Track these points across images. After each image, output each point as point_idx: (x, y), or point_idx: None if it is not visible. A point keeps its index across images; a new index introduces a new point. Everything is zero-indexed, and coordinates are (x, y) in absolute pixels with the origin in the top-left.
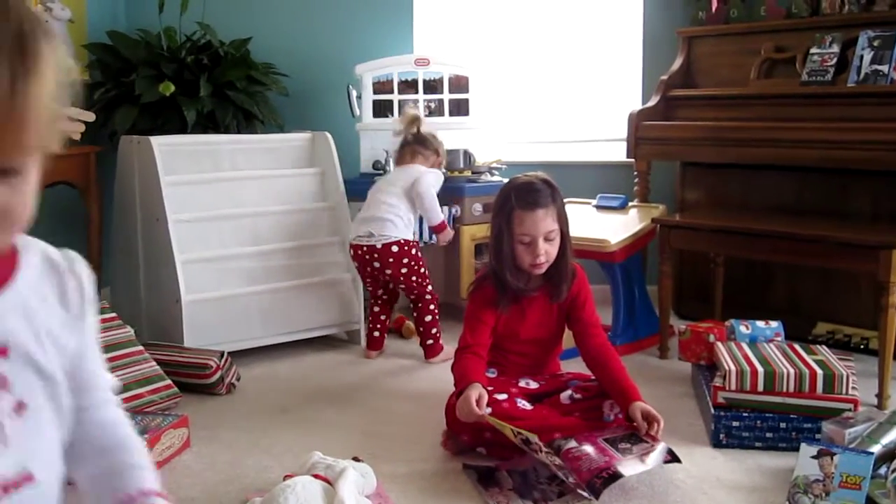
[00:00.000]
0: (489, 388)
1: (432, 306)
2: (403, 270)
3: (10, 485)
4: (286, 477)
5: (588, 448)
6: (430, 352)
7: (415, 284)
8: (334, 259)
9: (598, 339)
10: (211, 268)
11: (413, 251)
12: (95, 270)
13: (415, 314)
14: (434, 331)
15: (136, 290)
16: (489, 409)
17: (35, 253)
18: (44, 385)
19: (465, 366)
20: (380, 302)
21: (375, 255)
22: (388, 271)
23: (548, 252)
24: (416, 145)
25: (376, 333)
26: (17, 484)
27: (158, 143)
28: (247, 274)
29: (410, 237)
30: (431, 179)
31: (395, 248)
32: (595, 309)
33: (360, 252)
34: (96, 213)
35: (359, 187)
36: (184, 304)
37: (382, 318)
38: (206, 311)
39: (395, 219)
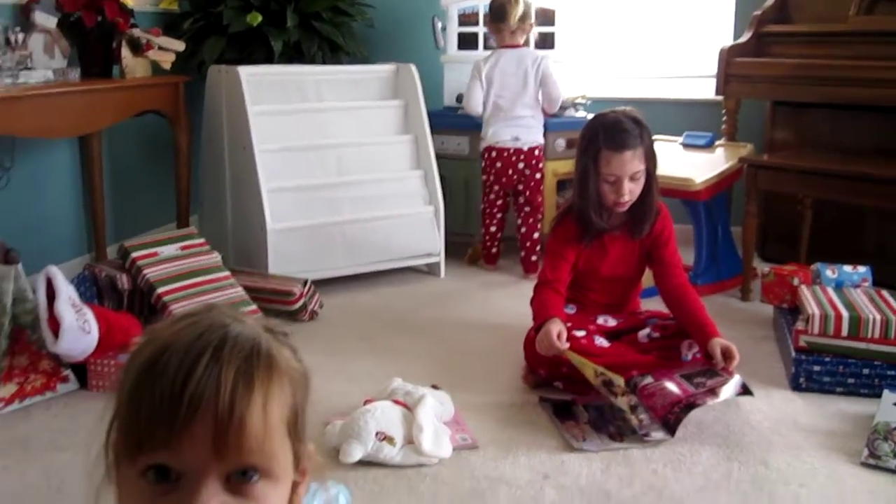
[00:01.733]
0: (567, 325)
1: (540, 217)
2: (538, 175)
3: None
4: (366, 402)
5: (663, 383)
6: (531, 267)
7: (539, 190)
8: (416, 191)
9: (679, 279)
10: (296, 197)
11: (542, 156)
12: (184, 198)
13: (522, 229)
14: (539, 247)
15: (223, 217)
16: (568, 345)
17: None
18: None
19: (544, 300)
20: (497, 217)
21: (521, 158)
22: (529, 173)
23: (632, 191)
24: (521, 22)
25: (494, 250)
26: None
27: (246, 73)
28: (330, 204)
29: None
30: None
31: (537, 153)
32: (677, 249)
33: (505, 155)
34: (185, 142)
35: (442, 120)
36: (269, 232)
37: (498, 235)
38: (290, 239)
39: (537, 123)
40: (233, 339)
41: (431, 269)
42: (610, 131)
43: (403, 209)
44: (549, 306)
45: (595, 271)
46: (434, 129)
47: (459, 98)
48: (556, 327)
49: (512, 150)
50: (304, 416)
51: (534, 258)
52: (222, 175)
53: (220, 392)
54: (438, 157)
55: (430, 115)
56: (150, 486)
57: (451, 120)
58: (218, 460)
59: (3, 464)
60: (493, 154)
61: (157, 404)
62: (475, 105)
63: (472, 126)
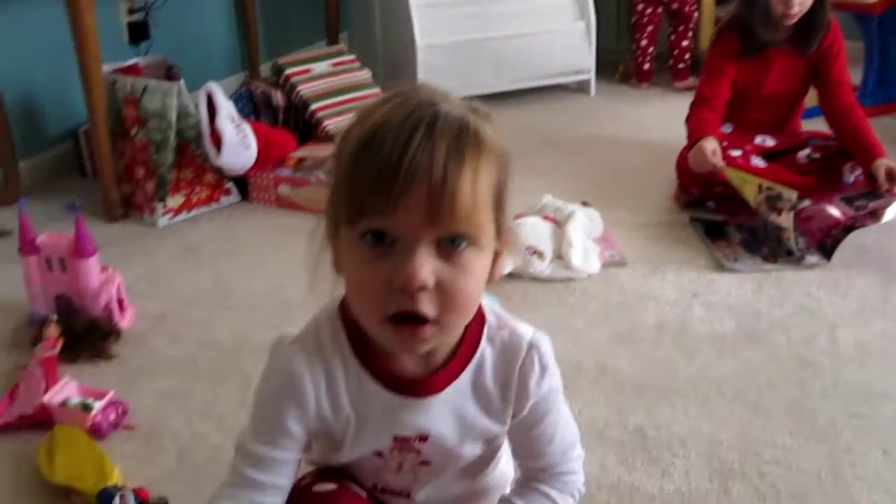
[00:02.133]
0: (723, 144)
1: (692, 27)
2: None
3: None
4: (517, 217)
5: (823, 206)
6: (679, 75)
7: (690, 1)
8: (568, 6)
9: (846, 98)
10: (445, 13)
11: None
12: (333, 15)
13: (672, 37)
14: (688, 56)
15: (372, 34)
16: (724, 162)
17: (494, 348)
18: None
19: (700, 119)
20: (648, 31)
21: None
22: None
23: (802, 2)
24: None
25: (646, 66)
26: None
27: None
28: (481, 20)
29: None
30: None
31: None
32: (846, 67)
33: None
34: None
35: None
36: (419, 48)
37: (650, 50)
38: (440, 55)
39: None
40: (443, 117)
41: (582, 87)
42: None
43: (554, 24)
44: (705, 125)
45: (756, 88)
46: None
47: None
48: (711, 144)
49: None
50: (507, 192)
51: (681, 66)
52: None
53: (434, 164)
54: None
55: None
56: (367, 248)
57: None
58: (430, 227)
59: (177, 268)
60: None
61: (376, 175)
62: None
63: None
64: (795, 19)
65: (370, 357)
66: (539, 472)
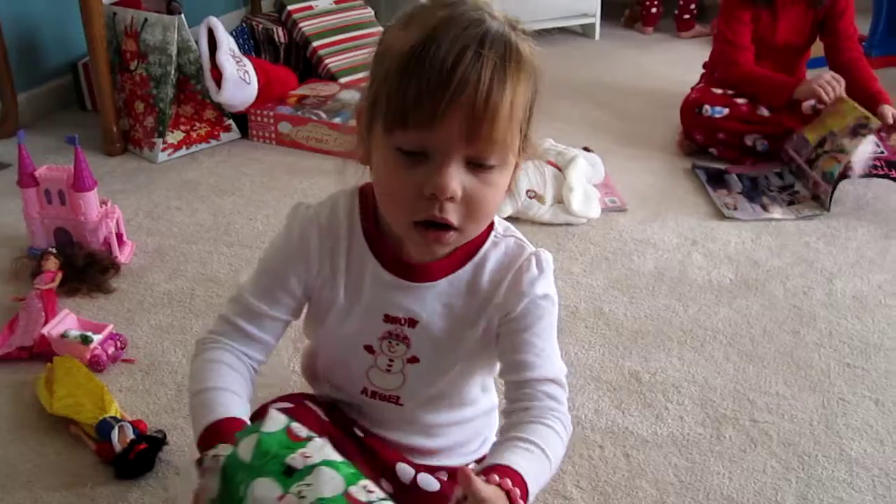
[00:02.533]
0: (728, 92)
1: None
2: None
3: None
4: None
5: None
6: (683, 25)
7: None
8: None
9: (852, 52)
10: None
11: None
12: None
13: None
14: (693, 6)
15: None
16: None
17: (497, 250)
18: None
19: (743, 61)
20: None
21: None
22: None
23: None
24: None
25: (654, 10)
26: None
27: None
28: None
29: None
30: None
31: None
32: (853, 20)
33: None
34: None
35: None
36: None
37: None
38: None
39: None
40: (491, 36)
41: (586, 31)
42: None
43: None
44: (766, 78)
45: (764, 39)
46: None
47: None
48: (827, 76)
49: None
50: (537, 107)
51: (686, 16)
52: None
53: (480, 84)
54: None
55: None
56: (402, 156)
57: None
58: (466, 144)
59: (177, 204)
60: None
61: (424, 87)
62: None
63: None
64: None
65: (376, 237)
66: (526, 399)
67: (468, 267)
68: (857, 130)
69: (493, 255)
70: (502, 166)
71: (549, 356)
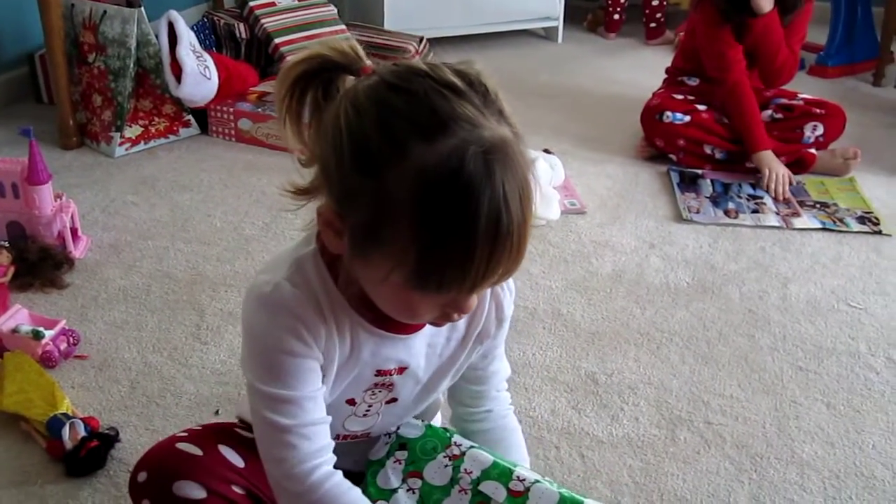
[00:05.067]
0: (690, 98)
1: None
2: None
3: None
4: None
5: None
6: (651, 34)
7: None
8: None
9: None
10: None
11: None
12: None
13: None
14: (660, 14)
15: None
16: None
17: None
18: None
19: (746, 105)
20: None
21: None
22: None
23: None
24: None
25: (616, 17)
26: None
27: None
28: None
29: None
30: None
31: None
32: (805, 27)
33: None
34: None
35: None
36: None
37: (623, 0)
38: None
39: None
40: (507, 165)
41: (549, 34)
42: None
43: None
44: (757, 116)
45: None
46: None
47: None
48: (783, 166)
49: None
50: None
51: (653, 25)
52: None
53: (518, 230)
54: None
55: None
56: (422, 295)
57: None
58: (505, 279)
59: (133, 199)
60: None
61: (470, 254)
62: None
63: None
64: None
65: (353, 297)
66: (492, 402)
67: None
68: (864, 219)
69: None
70: None
71: (501, 359)
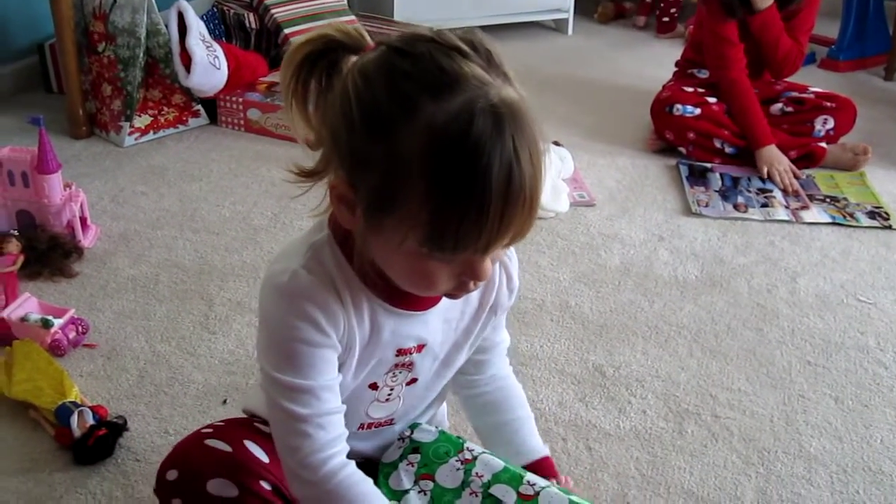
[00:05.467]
0: (700, 90)
1: None
2: None
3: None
4: None
5: None
6: (663, 28)
7: None
8: None
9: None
10: None
11: None
12: None
13: None
14: (673, 10)
15: None
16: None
17: None
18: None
19: (745, 98)
20: None
21: None
22: None
23: None
24: None
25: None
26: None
27: None
28: None
29: None
30: None
31: None
32: (812, 19)
33: None
34: None
35: None
36: None
37: None
38: None
39: None
40: (518, 124)
41: (559, 26)
42: None
43: None
44: (757, 113)
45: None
46: None
47: None
48: (785, 159)
49: None
50: None
51: (666, 19)
52: None
53: (530, 188)
54: None
55: None
56: (437, 260)
57: None
58: (518, 240)
59: (142, 189)
60: None
61: (483, 215)
62: None
63: None
64: None
65: (369, 277)
66: (494, 368)
67: None
68: (875, 214)
69: None
70: None
71: (503, 326)
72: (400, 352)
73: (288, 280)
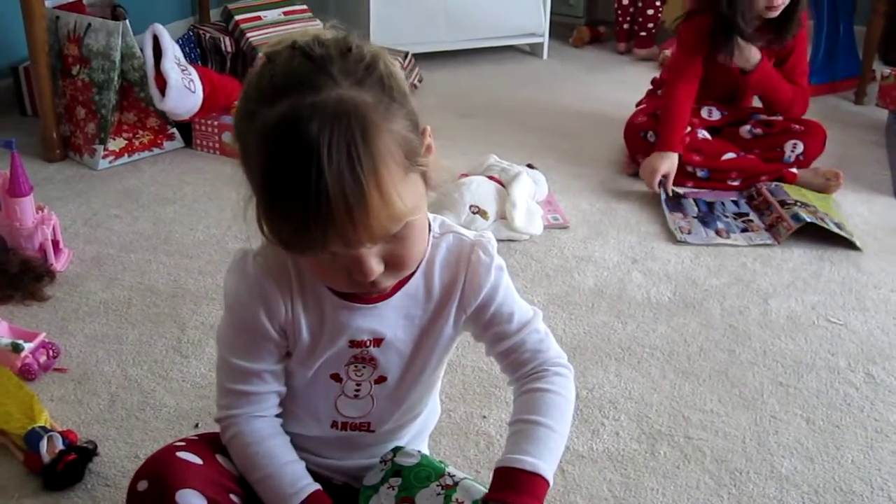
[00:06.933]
0: None
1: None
2: None
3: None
4: (462, 176)
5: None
6: (642, 43)
7: None
8: None
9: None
10: None
11: None
12: None
13: (639, 3)
14: (651, 25)
15: None
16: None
17: (440, 250)
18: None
19: (673, 108)
20: None
21: None
22: None
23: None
24: None
25: (625, 26)
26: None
27: None
28: None
29: None
30: None
31: None
32: (804, 55)
33: None
34: None
35: None
36: (371, 1)
37: (632, 10)
38: (392, 9)
39: None
40: (328, 131)
41: (534, 50)
42: None
43: None
44: (675, 123)
45: (716, 66)
46: None
47: None
48: (665, 167)
49: None
50: (418, 133)
51: (643, 34)
52: None
53: (339, 201)
54: None
55: None
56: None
57: None
58: (361, 245)
59: (116, 212)
60: None
61: (296, 224)
62: None
63: None
64: (778, 11)
65: None
66: (518, 366)
67: (418, 274)
68: (840, 226)
69: (437, 256)
70: (410, 221)
71: (518, 315)
72: (353, 343)
73: (238, 260)
